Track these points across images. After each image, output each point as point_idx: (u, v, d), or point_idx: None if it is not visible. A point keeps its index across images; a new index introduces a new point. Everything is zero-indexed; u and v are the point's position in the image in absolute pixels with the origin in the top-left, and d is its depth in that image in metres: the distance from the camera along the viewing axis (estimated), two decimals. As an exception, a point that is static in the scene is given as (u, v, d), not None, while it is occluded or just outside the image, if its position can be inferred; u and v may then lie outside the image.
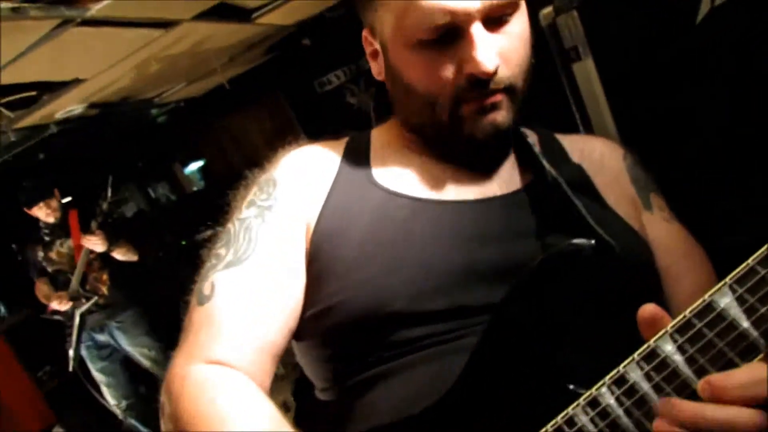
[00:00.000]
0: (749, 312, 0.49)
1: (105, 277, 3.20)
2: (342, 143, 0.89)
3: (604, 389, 0.55)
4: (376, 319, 0.70)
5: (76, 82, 2.63)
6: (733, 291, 0.50)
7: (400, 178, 0.81)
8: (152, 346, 3.34)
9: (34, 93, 2.54)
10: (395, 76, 0.78)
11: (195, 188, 5.90)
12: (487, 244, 0.73)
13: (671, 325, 0.53)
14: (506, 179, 0.81)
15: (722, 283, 0.51)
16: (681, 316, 0.52)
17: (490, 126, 0.73)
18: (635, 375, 0.53)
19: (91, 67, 2.55)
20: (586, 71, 1.40)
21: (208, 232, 4.48)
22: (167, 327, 3.40)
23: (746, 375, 0.48)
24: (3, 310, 4.00)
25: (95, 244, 3.06)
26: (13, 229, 3.40)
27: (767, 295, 0.49)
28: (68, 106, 3.06)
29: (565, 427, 0.56)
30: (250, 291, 0.75)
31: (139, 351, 3.32)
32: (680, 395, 0.51)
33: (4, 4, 1.58)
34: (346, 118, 4.90)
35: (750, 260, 0.50)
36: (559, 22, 1.42)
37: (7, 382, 3.56)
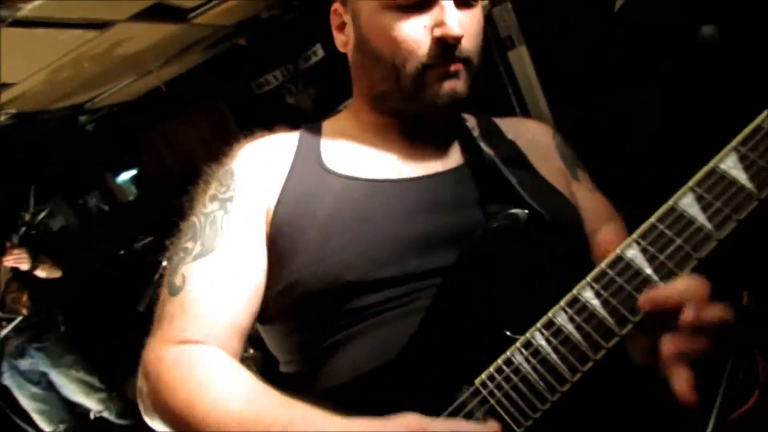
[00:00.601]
0: (651, 260, 0.60)
1: (25, 298, 2.97)
2: (296, 134, 0.95)
3: (536, 332, 0.64)
4: (333, 291, 0.78)
5: (4, 86, 2.54)
6: (638, 244, 0.61)
7: (350, 162, 0.88)
8: (79, 364, 3.09)
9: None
10: (364, 44, 0.85)
11: (129, 197, 5.71)
12: (430, 216, 0.81)
13: (590, 275, 0.63)
14: (448, 158, 0.90)
15: (630, 238, 0.62)
16: (597, 268, 0.63)
17: (450, 93, 0.82)
18: (561, 319, 0.63)
19: (21, 70, 2.47)
20: (521, 58, 1.53)
21: (147, 240, 4.38)
22: (103, 344, 3.29)
23: (681, 283, 0.58)
24: None
25: (18, 261, 2.84)
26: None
27: (664, 246, 0.60)
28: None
29: (504, 367, 0.65)
30: (219, 278, 0.81)
31: (65, 373, 3.06)
32: (596, 333, 0.61)
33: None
34: (285, 119, 4.89)
35: (651, 218, 0.61)
36: (494, 12, 1.55)
37: None
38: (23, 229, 2.88)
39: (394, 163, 0.88)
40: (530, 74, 1.54)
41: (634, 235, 0.62)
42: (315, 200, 0.84)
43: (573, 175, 0.97)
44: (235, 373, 0.73)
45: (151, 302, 3.63)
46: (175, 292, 0.81)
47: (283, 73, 4.80)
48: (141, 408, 0.80)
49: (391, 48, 0.81)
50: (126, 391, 3.34)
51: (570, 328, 0.62)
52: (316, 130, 0.96)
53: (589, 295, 0.62)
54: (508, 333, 0.67)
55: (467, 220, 0.80)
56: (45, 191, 3.49)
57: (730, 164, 0.58)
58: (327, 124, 0.98)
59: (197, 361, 0.74)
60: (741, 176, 0.57)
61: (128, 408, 3.25)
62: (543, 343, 0.64)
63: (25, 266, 2.88)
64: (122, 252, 4.51)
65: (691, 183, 0.60)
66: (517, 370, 0.64)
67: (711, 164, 0.59)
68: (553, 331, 0.63)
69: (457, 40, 0.79)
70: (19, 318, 2.89)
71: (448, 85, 0.82)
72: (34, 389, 3.03)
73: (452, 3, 0.80)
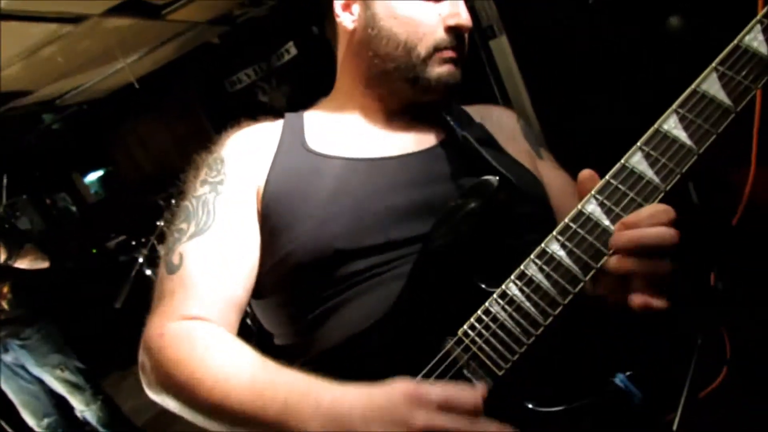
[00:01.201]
0: (608, 213, 0.68)
1: (6, 290, 2.89)
2: (280, 121, 1.02)
3: (510, 284, 0.72)
4: (323, 259, 0.84)
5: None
6: (596, 199, 0.69)
7: (333, 143, 0.95)
8: (65, 364, 3.00)
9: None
10: (377, 23, 0.92)
11: (99, 197, 5.63)
12: (410, 189, 0.88)
13: (555, 230, 0.71)
14: (423, 139, 0.98)
15: (589, 195, 0.70)
16: (562, 223, 0.71)
17: (452, 75, 0.92)
18: (532, 270, 0.71)
19: (-7, 63, 2.45)
20: (502, 47, 1.62)
21: (121, 238, 4.35)
22: (81, 341, 3.25)
23: (647, 209, 0.65)
24: None
25: None
26: None
27: (619, 200, 0.68)
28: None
29: (483, 316, 0.72)
30: (215, 255, 0.86)
31: (49, 372, 2.97)
32: (563, 279, 0.69)
33: None
34: (258, 117, 4.90)
35: (606, 176, 0.70)
36: (476, 3, 1.63)
37: None
38: None
39: (374, 143, 0.95)
40: (511, 63, 1.63)
41: (593, 192, 0.70)
42: (301, 178, 0.90)
43: (537, 153, 1.06)
44: (235, 347, 0.77)
45: (127, 299, 3.62)
46: (173, 270, 0.85)
47: (256, 71, 4.81)
48: (144, 383, 0.83)
49: (407, 29, 0.90)
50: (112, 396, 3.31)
51: (540, 277, 0.70)
52: (299, 117, 1.02)
53: (555, 247, 0.70)
54: (483, 286, 0.74)
55: (443, 194, 0.87)
56: (9, 192, 3.42)
57: (672, 124, 0.66)
58: (308, 113, 1.04)
59: (198, 336, 0.78)
60: (681, 134, 0.65)
61: (113, 418, 3.20)
62: (517, 292, 0.71)
63: None
64: (95, 251, 4.46)
65: (639, 143, 0.68)
66: (495, 319, 0.71)
67: (655, 125, 0.68)
68: (526, 281, 0.71)
69: (469, 30, 0.91)
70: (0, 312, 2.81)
71: (450, 69, 0.92)
72: (21, 382, 2.95)
73: None
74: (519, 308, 0.70)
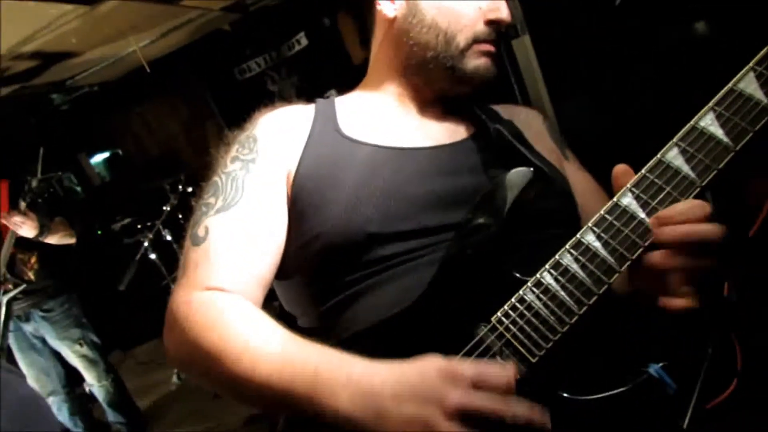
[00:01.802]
0: (644, 206, 0.70)
1: (33, 260, 2.87)
2: (311, 107, 1.03)
3: (545, 273, 0.73)
4: (354, 242, 0.84)
5: (-9, 56, 2.52)
6: (632, 192, 0.71)
7: (366, 130, 0.96)
8: (83, 338, 3.00)
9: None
10: (418, 11, 0.95)
11: (105, 179, 5.64)
12: (442, 178, 0.90)
13: (591, 221, 0.72)
14: (454, 131, 0.99)
15: (625, 188, 0.71)
16: (597, 215, 0.72)
17: (488, 69, 0.94)
18: (567, 259, 0.72)
19: (7, 40, 2.45)
20: (525, 47, 1.63)
21: (126, 221, 4.36)
22: (96, 317, 3.26)
23: (683, 204, 0.66)
24: None
25: (24, 227, 2.70)
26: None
27: (655, 193, 0.70)
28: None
29: (518, 304, 0.73)
30: (241, 231, 0.86)
31: (68, 346, 2.98)
32: (599, 270, 0.70)
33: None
34: (266, 106, 4.90)
35: (643, 170, 0.71)
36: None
37: None
38: (30, 195, 2.73)
39: (407, 133, 0.96)
40: (532, 62, 1.65)
41: (629, 185, 0.71)
42: (334, 163, 0.90)
43: (563, 154, 1.07)
44: (263, 318, 0.78)
45: (131, 282, 3.63)
46: (198, 242, 0.86)
47: (266, 60, 4.81)
48: (169, 352, 0.83)
49: (448, 19, 0.92)
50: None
51: (575, 267, 0.71)
52: (330, 103, 1.03)
53: (591, 238, 0.71)
54: (518, 275, 0.76)
55: (476, 184, 0.88)
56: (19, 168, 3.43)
57: (708, 121, 0.68)
58: (339, 99, 1.05)
59: (226, 304, 0.79)
60: (718, 132, 0.67)
61: (120, 397, 3.22)
62: (552, 282, 0.72)
63: (27, 233, 2.74)
64: (99, 232, 4.47)
65: (675, 138, 0.70)
66: (529, 307, 0.72)
67: (692, 122, 0.69)
68: (561, 270, 0.72)
69: (509, 23, 0.93)
70: (23, 285, 2.78)
71: (486, 63, 0.94)
72: (35, 356, 2.97)
73: None
74: (554, 297, 0.72)
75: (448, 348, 0.74)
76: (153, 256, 3.87)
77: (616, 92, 1.63)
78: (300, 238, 0.89)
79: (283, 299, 1.00)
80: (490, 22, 0.93)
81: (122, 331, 4.60)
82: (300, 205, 0.89)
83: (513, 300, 0.74)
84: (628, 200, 0.71)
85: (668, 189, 0.68)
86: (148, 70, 3.68)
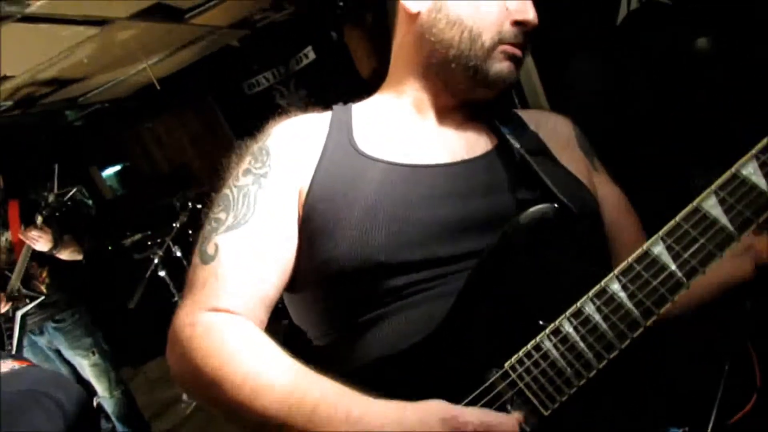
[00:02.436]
0: (675, 257, 0.66)
1: (45, 274, 2.91)
2: (327, 115, 0.98)
3: (565, 321, 0.69)
4: (365, 270, 0.81)
5: (4, 78, 2.53)
6: (664, 241, 0.67)
7: (382, 145, 0.92)
8: (95, 348, 3.04)
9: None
10: (443, 7, 0.91)
11: (117, 193, 5.67)
12: (461, 201, 0.85)
13: (617, 269, 0.68)
14: (472, 145, 0.94)
15: (656, 236, 0.67)
16: (625, 263, 0.68)
17: (510, 73, 0.91)
18: (589, 308, 0.68)
19: (22, 63, 2.46)
20: (527, 66, 1.59)
21: (137, 236, 4.36)
22: (106, 333, 3.26)
23: None
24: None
25: (41, 242, 2.75)
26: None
27: (688, 244, 0.65)
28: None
29: (533, 352, 0.70)
30: (250, 251, 0.84)
31: (81, 356, 3.01)
32: (622, 323, 0.66)
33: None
34: (280, 115, 4.90)
35: (676, 218, 0.67)
36: None
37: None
38: (47, 210, 2.78)
39: (423, 146, 0.92)
40: (535, 82, 1.61)
41: (660, 233, 0.67)
42: (347, 182, 0.87)
43: (593, 165, 1.02)
44: (267, 345, 0.76)
45: (140, 298, 3.62)
46: (207, 260, 0.84)
47: (275, 74, 4.82)
48: (172, 372, 0.81)
49: (474, 16, 0.88)
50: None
51: (598, 318, 0.67)
52: (347, 111, 0.98)
53: (616, 288, 0.67)
54: (540, 322, 0.72)
55: (497, 206, 0.84)
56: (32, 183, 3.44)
57: (750, 170, 0.63)
58: (357, 105, 1.00)
59: (230, 330, 0.77)
60: (761, 182, 0.62)
61: (129, 410, 3.22)
62: (571, 331, 0.68)
63: (42, 247, 2.78)
64: (110, 248, 4.48)
65: (714, 186, 0.65)
66: (545, 356, 0.69)
67: (732, 169, 0.64)
68: (582, 320, 0.68)
69: (535, 27, 0.89)
70: (41, 298, 2.83)
71: (510, 67, 0.90)
72: (48, 366, 2.98)
73: None
74: (572, 348, 0.68)
75: (456, 390, 0.71)
76: (162, 273, 3.87)
77: (617, 104, 1.59)
78: (311, 260, 0.86)
79: (292, 312, 0.97)
80: (516, 23, 0.89)
81: (132, 348, 4.60)
82: (311, 226, 0.86)
83: (529, 347, 0.70)
84: (659, 249, 0.66)
85: (703, 240, 0.64)
86: (158, 88, 3.69)
